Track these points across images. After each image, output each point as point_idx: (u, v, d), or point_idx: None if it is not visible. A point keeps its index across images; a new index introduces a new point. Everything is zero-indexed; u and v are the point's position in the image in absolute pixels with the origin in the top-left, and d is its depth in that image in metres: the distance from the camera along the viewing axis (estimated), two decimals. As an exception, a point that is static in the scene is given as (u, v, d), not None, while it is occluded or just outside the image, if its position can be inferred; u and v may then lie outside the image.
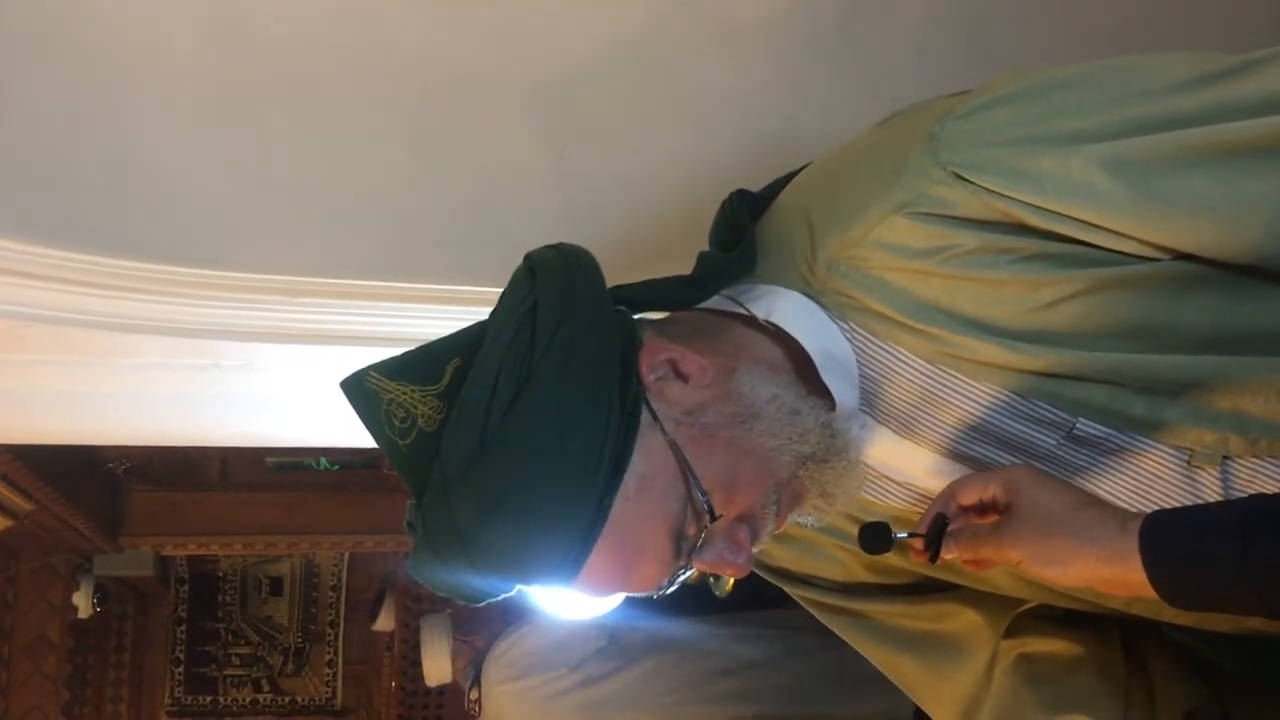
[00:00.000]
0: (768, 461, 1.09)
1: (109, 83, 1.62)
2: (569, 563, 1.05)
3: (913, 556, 1.11)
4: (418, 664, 3.53)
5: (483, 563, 1.05)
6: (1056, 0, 1.80)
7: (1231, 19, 1.78)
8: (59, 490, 3.80)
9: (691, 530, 1.08)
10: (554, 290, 1.09)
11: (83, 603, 4.92)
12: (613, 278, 1.17)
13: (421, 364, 1.12)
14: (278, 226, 1.84)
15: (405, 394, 1.10)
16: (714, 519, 1.07)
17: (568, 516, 1.04)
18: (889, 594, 1.35)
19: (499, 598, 1.11)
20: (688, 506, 1.07)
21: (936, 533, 1.08)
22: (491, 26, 1.65)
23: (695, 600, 2.89)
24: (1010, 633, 1.31)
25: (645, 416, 1.07)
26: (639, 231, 1.82)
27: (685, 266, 1.20)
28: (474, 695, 3.13)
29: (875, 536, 1.12)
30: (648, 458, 1.06)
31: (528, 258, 1.16)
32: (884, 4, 1.75)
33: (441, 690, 4.61)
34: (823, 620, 1.39)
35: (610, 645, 3.01)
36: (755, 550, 1.13)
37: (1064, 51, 1.69)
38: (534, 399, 1.04)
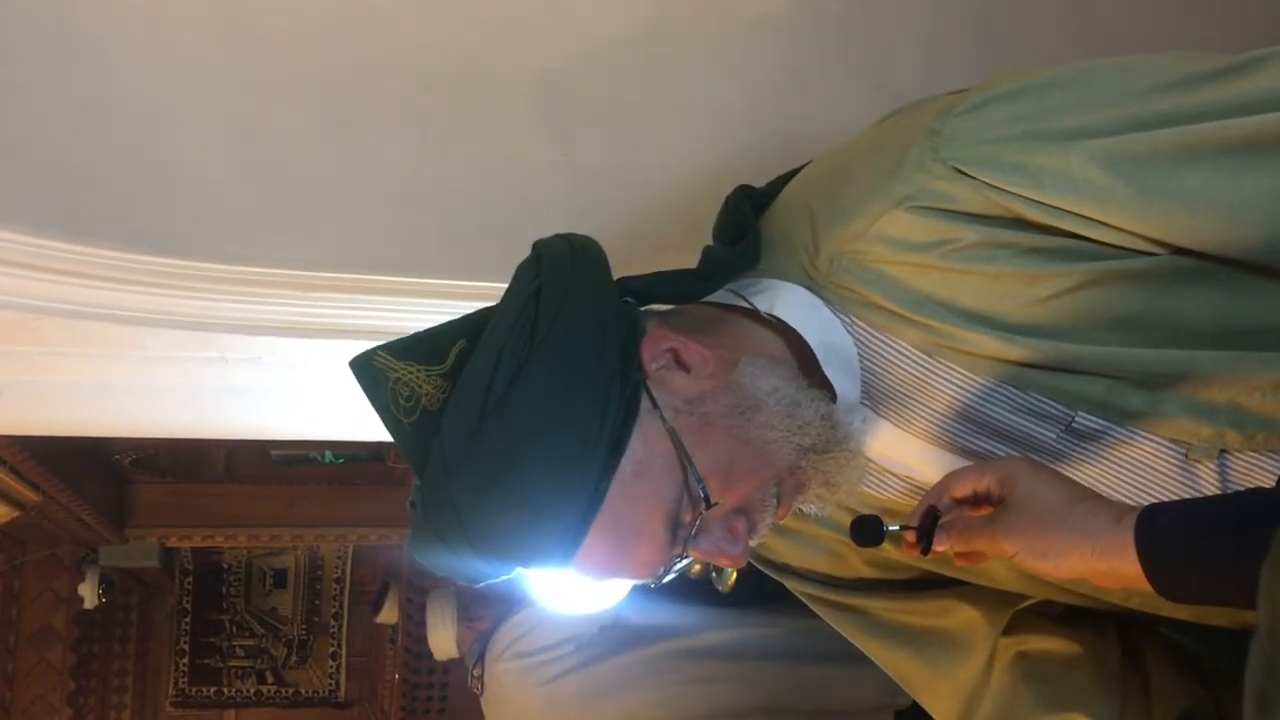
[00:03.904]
0: (766, 453, 1.10)
1: (118, 79, 1.63)
2: (565, 544, 1.06)
3: (905, 549, 1.11)
4: (421, 656, 3.55)
5: (480, 542, 1.06)
6: (1060, -1, 1.81)
7: (1232, 18, 1.78)
8: (65, 481, 3.81)
9: (688, 517, 1.09)
10: (559, 276, 1.10)
11: (88, 593, 4.92)
12: (617, 271, 1.18)
13: (428, 344, 1.13)
14: (285, 221, 1.85)
15: (411, 373, 1.11)
16: (709, 506, 1.08)
17: (564, 497, 1.05)
18: (889, 590, 1.35)
19: (498, 579, 1.12)
20: (684, 493, 1.08)
21: (928, 525, 1.07)
22: (496, 21, 1.65)
23: (701, 594, 2.91)
24: (1009, 630, 1.31)
25: (645, 403, 1.08)
26: (643, 226, 1.83)
27: (688, 260, 1.21)
28: (477, 672, 3.15)
29: (867, 529, 1.11)
30: (646, 443, 1.07)
31: (535, 245, 1.17)
32: (887, 1, 1.76)
33: (445, 682, 4.62)
34: (822, 615, 1.39)
35: (615, 630, 3.02)
36: (753, 542, 1.13)
37: (1066, 49, 1.69)
38: (533, 380, 1.05)
